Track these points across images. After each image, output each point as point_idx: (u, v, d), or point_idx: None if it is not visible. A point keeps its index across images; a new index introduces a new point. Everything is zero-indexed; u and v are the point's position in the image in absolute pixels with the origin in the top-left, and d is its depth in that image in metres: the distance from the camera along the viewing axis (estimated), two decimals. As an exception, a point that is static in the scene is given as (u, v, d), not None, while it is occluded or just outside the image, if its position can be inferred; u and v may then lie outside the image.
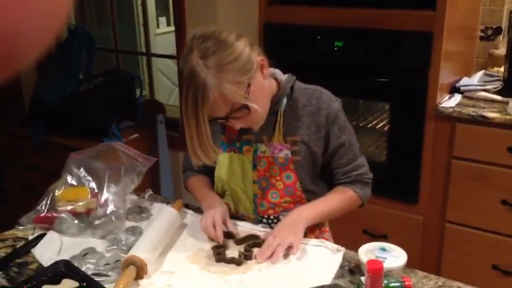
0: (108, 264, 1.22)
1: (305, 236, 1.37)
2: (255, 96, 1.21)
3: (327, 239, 1.41)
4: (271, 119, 1.34)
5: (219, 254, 1.25)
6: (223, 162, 1.40)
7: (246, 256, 1.24)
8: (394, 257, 1.15)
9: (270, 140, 1.35)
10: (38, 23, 0.34)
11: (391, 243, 1.22)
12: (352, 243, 1.33)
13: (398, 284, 1.06)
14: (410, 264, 1.18)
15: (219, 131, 1.40)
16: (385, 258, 1.13)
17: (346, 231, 1.76)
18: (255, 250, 1.26)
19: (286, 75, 1.38)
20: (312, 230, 1.43)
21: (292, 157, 1.34)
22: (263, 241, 1.28)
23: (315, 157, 1.36)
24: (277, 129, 1.34)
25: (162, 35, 4.06)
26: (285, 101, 1.35)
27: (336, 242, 1.47)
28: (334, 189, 1.41)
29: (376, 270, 0.98)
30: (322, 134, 1.34)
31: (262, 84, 1.25)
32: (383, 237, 2.33)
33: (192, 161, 1.28)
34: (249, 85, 1.20)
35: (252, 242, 1.29)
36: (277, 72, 1.38)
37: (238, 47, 1.19)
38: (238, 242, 1.31)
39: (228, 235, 1.33)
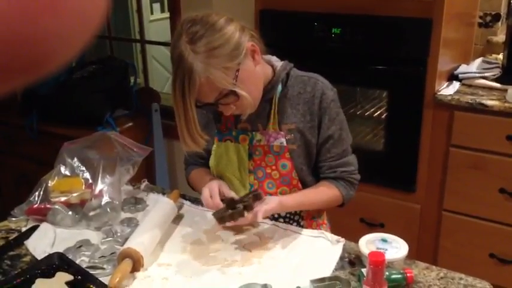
0: (103, 256, 1.20)
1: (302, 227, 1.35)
2: (243, 83, 1.18)
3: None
4: (266, 107, 1.32)
5: (219, 214, 1.20)
6: (219, 151, 1.37)
7: (246, 207, 1.19)
8: (395, 248, 1.13)
9: (265, 128, 1.33)
10: (72, 25, 0.34)
11: (388, 231, 1.20)
12: (349, 232, 1.32)
13: (399, 276, 1.05)
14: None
15: (213, 120, 1.37)
16: (386, 250, 1.12)
17: (343, 219, 1.75)
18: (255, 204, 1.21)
19: (282, 62, 1.35)
20: (310, 223, 1.41)
21: (287, 145, 1.31)
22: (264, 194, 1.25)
23: (310, 146, 1.33)
24: (272, 116, 1.32)
25: (156, 22, 4.00)
26: (279, 88, 1.32)
27: (333, 230, 1.45)
28: (318, 184, 1.37)
29: (378, 263, 0.96)
30: (316, 123, 1.32)
31: (252, 71, 1.22)
32: (380, 226, 2.33)
33: (183, 149, 1.26)
34: (237, 71, 1.17)
35: (252, 195, 1.23)
36: (274, 58, 1.36)
37: (227, 32, 1.16)
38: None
39: (230, 204, 1.26)
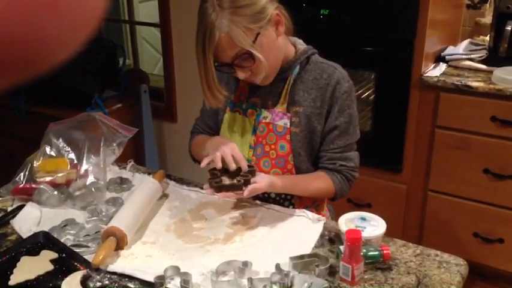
0: (88, 235, 1.22)
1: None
2: (262, 47, 1.21)
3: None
4: (280, 85, 1.34)
5: (217, 183, 1.19)
6: (227, 120, 1.39)
7: (246, 181, 1.19)
8: (374, 226, 1.15)
9: (274, 107, 1.34)
10: (69, 25, 0.33)
11: (375, 212, 1.22)
12: (336, 212, 1.33)
13: (376, 253, 1.07)
14: (393, 232, 1.18)
15: (233, 85, 1.39)
16: (365, 228, 1.14)
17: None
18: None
19: (306, 46, 1.38)
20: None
21: (290, 127, 1.32)
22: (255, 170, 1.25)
23: (314, 133, 1.33)
24: (283, 96, 1.33)
25: (145, 2, 3.96)
26: (297, 69, 1.34)
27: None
28: (314, 172, 1.36)
29: (355, 240, 0.99)
30: (325, 110, 1.32)
31: (272, 39, 1.25)
32: (367, 206, 2.36)
33: (206, 104, 1.32)
34: (258, 34, 1.20)
35: (248, 170, 1.23)
36: (299, 41, 1.39)
37: None
38: (232, 175, 1.24)
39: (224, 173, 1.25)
